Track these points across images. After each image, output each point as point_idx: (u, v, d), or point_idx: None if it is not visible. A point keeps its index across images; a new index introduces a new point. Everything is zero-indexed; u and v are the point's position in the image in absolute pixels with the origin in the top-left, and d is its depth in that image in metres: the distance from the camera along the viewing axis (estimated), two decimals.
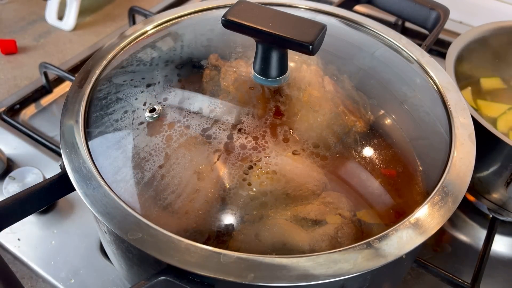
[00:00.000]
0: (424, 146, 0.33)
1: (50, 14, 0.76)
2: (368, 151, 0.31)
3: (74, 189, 0.30)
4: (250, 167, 0.29)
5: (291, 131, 0.31)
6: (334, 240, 0.28)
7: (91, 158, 0.31)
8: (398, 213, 0.29)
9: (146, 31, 0.41)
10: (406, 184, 0.31)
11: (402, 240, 0.27)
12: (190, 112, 0.32)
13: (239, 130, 0.31)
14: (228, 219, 0.28)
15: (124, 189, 0.29)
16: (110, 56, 0.38)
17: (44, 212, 0.47)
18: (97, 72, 0.37)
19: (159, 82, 0.35)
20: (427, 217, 0.29)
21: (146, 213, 0.28)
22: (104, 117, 0.33)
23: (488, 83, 0.55)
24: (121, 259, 0.34)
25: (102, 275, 0.42)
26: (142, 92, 0.34)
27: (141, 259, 0.30)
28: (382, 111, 0.34)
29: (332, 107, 0.33)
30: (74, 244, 0.45)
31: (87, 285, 0.42)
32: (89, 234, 0.45)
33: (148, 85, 0.35)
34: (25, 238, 0.45)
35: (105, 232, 0.31)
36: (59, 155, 0.52)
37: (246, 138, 0.30)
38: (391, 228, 0.28)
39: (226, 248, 0.27)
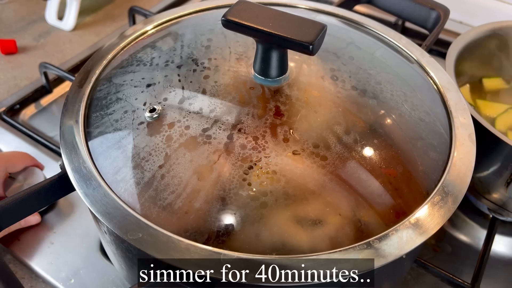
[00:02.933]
0: (424, 146, 0.33)
1: (50, 14, 0.76)
2: (368, 151, 0.31)
3: (74, 189, 0.30)
4: (250, 167, 0.29)
5: (291, 131, 0.31)
6: (334, 240, 0.28)
7: (91, 158, 0.31)
8: (398, 213, 0.29)
9: (146, 31, 0.41)
10: (406, 184, 0.31)
11: (402, 240, 0.27)
12: (190, 112, 0.32)
13: (239, 130, 0.31)
14: (228, 219, 0.28)
15: (124, 189, 0.29)
16: (110, 56, 0.38)
17: (44, 212, 0.47)
18: (97, 72, 0.37)
19: (159, 82, 0.35)
20: (427, 217, 0.29)
21: (146, 213, 0.28)
22: (104, 117, 0.33)
23: (490, 83, 0.55)
24: (121, 259, 0.34)
25: (102, 275, 0.42)
26: (142, 92, 0.34)
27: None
28: (382, 111, 0.34)
29: (332, 107, 0.33)
30: (74, 244, 0.45)
31: (87, 285, 0.42)
32: (89, 234, 0.45)
33: (148, 85, 0.35)
34: (25, 238, 0.45)
35: (105, 232, 0.31)
36: (59, 155, 0.52)
37: (246, 138, 0.30)
38: (391, 228, 0.28)
39: (226, 248, 0.27)
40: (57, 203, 0.48)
